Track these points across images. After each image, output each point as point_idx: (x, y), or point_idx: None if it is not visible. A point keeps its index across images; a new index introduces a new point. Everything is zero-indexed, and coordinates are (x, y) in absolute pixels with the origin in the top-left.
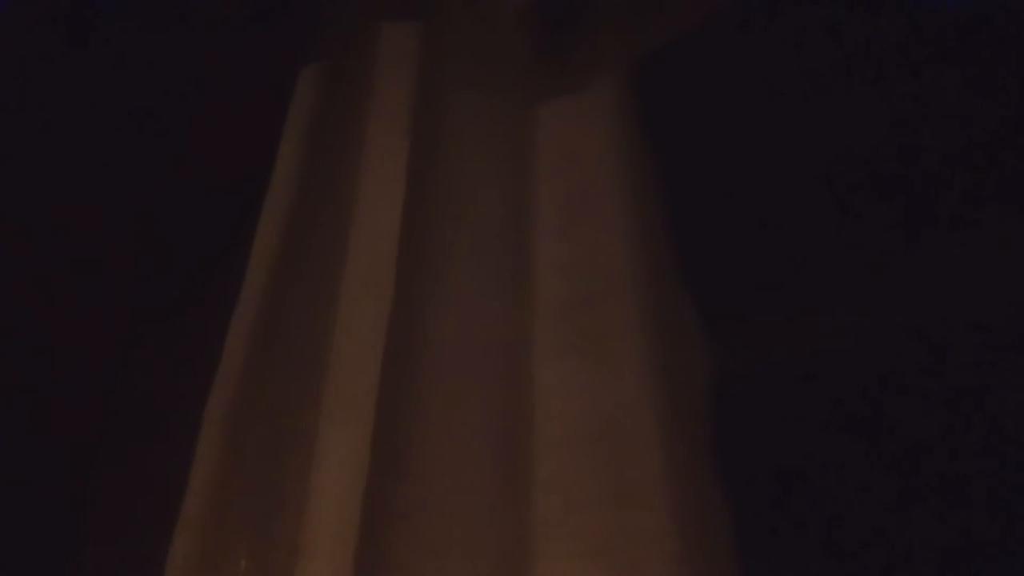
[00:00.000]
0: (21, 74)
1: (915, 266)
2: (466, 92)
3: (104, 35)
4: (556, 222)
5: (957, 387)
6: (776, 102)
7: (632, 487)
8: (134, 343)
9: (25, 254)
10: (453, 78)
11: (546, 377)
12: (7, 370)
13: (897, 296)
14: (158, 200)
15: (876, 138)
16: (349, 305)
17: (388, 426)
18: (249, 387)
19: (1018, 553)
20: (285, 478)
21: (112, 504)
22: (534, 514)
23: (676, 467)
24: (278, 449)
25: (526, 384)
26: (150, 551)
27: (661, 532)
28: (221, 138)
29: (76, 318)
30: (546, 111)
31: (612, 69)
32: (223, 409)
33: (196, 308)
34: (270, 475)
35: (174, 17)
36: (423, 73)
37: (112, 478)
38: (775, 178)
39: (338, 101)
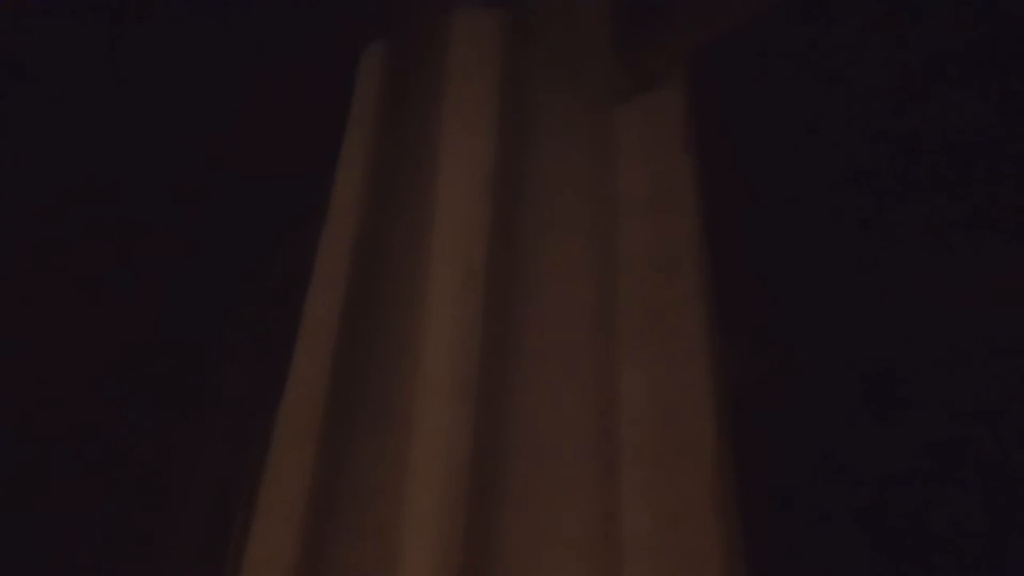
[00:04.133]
0: (64, 66)
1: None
2: (548, 88)
3: (162, 19)
4: (637, 219)
5: None
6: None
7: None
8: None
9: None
10: (534, 73)
11: (628, 380)
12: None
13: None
14: (216, 191)
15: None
16: (434, 305)
17: (482, 443)
18: (326, 396)
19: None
20: (371, 492)
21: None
22: (623, 527)
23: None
24: (360, 459)
25: (614, 388)
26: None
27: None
28: (280, 127)
29: (119, 320)
30: (623, 106)
31: (683, 61)
32: (294, 421)
33: (262, 301)
34: (353, 488)
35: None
36: (501, 67)
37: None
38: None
39: (410, 93)
